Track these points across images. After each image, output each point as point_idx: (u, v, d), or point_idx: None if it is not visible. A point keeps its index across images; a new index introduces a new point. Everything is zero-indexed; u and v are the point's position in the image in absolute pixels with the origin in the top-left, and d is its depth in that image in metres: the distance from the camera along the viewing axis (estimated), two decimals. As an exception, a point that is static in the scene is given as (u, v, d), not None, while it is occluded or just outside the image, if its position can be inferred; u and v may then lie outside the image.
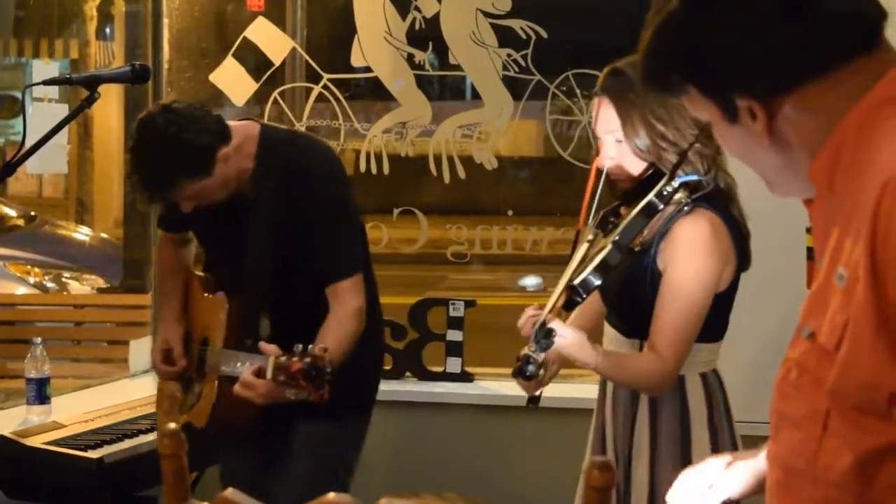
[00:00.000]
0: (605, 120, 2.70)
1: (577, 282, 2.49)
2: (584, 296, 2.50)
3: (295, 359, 2.78)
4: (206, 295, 3.38)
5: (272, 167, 3.17)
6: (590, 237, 2.63)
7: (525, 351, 2.53)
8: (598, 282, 2.49)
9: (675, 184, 2.54)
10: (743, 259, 2.71)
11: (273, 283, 3.21)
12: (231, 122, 3.22)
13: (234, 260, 3.24)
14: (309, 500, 1.50)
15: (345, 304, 3.15)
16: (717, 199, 2.66)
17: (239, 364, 3.05)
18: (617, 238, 2.51)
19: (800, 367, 1.46)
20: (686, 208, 2.60)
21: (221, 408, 3.16)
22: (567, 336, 2.54)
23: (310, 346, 2.81)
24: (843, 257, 1.39)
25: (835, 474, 1.40)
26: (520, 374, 2.51)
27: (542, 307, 2.58)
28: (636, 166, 2.67)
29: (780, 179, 1.56)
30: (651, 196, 2.53)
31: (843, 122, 1.42)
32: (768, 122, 1.47)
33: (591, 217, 2.70)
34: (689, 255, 2.61)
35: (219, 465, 3.49)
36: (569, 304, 2.53)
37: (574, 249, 2.65)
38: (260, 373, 2.90)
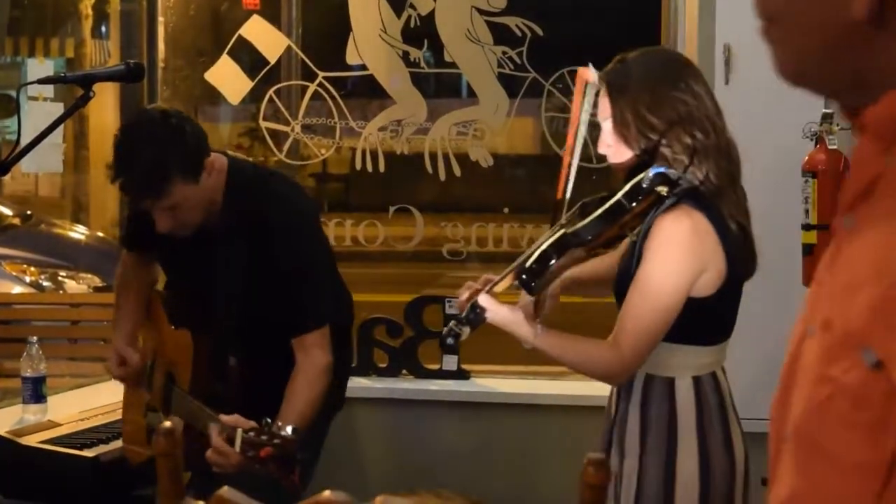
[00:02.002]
0: (603, 107, 2.71)
1: (529, 263, 2.47)
2: (536, 277, 2.44)
3: (264, 438, 2.70)
4: (171, 327, 3.33)
5: (238, 211, 3.11)
6: (564, 221, 2.61)
7: (451, 323, 2.54)
8: (551, 262, 2.42)
9: (651, 175, 2.44)
10: (735, 265, 2.63)
11: (239, 325, 3.16)
12: None
13: (198, 297, 3.20)
14: None
15: (313, 361, 3.10)
16: (708, 198, 2.62)
17: (207, 424, 2.96)
18: (575, 228, 2.47)
19: (857, 399, 1.11)
20: (668, 202, 2.53)
21: (187, 450, 3.12)
22: (499, 313, 2.54)
23: (278, 425, 2.72)
24: None
25: None
26: (441, 344, 2.53)
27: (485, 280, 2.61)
28: (629, 155, 2.66)
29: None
30: (627, 188, 2.47)
31: None
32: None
33: (568, 189, 2.68)
34: (661, 251, 2.56)
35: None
36: (524, 286, 2.49)
37: (553, 223, 2.63)
38: (229, 440, 2.82)
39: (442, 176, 4.77)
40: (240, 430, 2.74)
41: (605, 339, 2.63)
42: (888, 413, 1.08)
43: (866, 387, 1.09)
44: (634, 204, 2.45)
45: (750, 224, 2.70)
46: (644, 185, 2.45)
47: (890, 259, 1.07)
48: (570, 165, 2.64)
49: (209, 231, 3.12)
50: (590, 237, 2.45)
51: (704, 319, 2.65)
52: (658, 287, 2.56)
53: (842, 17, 1.06)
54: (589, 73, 2.65)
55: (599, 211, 2.48)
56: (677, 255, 2.57)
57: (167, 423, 1.70)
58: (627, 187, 2.47)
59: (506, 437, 4.38)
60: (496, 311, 2.53)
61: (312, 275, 3.17)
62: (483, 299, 2.52)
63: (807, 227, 3.70)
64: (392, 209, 4.86)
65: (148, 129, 3.04)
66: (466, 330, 2.52)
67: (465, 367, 4.50)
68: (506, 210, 4.89)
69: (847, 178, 1.15)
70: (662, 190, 2.46)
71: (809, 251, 3.70)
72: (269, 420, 2.73)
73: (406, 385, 4.48)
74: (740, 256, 2.66)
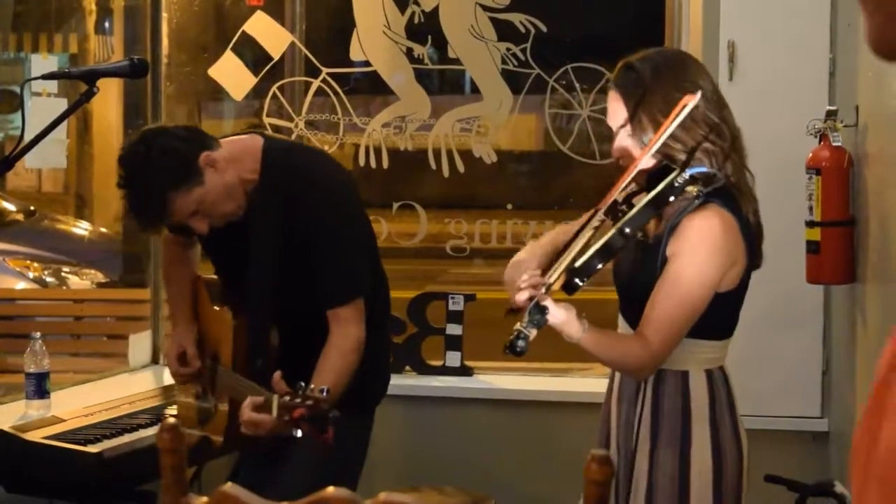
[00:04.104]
0: (617, 114, 2.73)
1: (578, 264, 2.50)
2: (584, 279, 2.50)
3: (298, 400, 2.73)
4: (214, 307, 3.38)
5: (275, 186, 3.16)
6: (596, 223, 2.63)
7: (517, 326, 2.53)
8: (598, 265, 2.50)
9: (686, 175, 2.52)
10: (753, 258, 2.71)
11: (277, 300, 3.20)
12: (232, 137, 3.24)
13: (238, 274, 3.24)
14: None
15: (346, 334, 3.14)
16: (731, 196, 2.66)
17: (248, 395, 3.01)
18: (622, 225, 2.52)
19: None
20: (697, 202, 2.60)
21: (235, 427, 3.15)
22: (558, 315, 2.55)
23: (311, 387, 2.76)
24: None
25: None
26: (511, 349, 2.51)
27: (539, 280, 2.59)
28: (647, 160, 2.67)
29: None
30: (661, 188, 2.53)
31: None
32: None
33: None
34: (693, 249, 2.62)
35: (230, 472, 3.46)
36: (568, 287, 2.53)
37: (581, 229, 2.65)
38: (264, 406, 2.87)
39: (445, 172, 4.77)
40: (275, 396, 2.78)
41: (636, 335, 2.67)
42: None
43: None
44: (670, 201, 2.53)
45: (759, 213, 2.75)
46: (676, 186, 2.51)
47: None
48: (631, 175, 2.65)
49: (249, 210, 3.18)
50: (630, 231, 2.51)
51: (723, 314, 2.72)
52: (689, 284, 2.61)
53: None
54: (694, 98, 2.62)
55: (639, 207, 2.52)
56: (709, 253, 2.62)
57: (170, 419, 1.70)
58: (661, 187, 2.52)
59: (508, 434, 4.38)
60: (555, 313, 2.55)
61: (346, 246, 3.21)
62: (548, 301, 2.53)
63: (810, 224, 3.70)
64: (395, 205, 4.86)
65: (126, 169, 3.10)
66: (533, 332, 2.53)
67: (468, 363, 4.50)
68: (509, 206, 4.88)
69: None
70: (692, 191, 2.53)
71: (813, 248, 3.70)
72: (303, 384, 2.77)
73: (409, 381, 4.48)
74: (756, 248, 2.73)
